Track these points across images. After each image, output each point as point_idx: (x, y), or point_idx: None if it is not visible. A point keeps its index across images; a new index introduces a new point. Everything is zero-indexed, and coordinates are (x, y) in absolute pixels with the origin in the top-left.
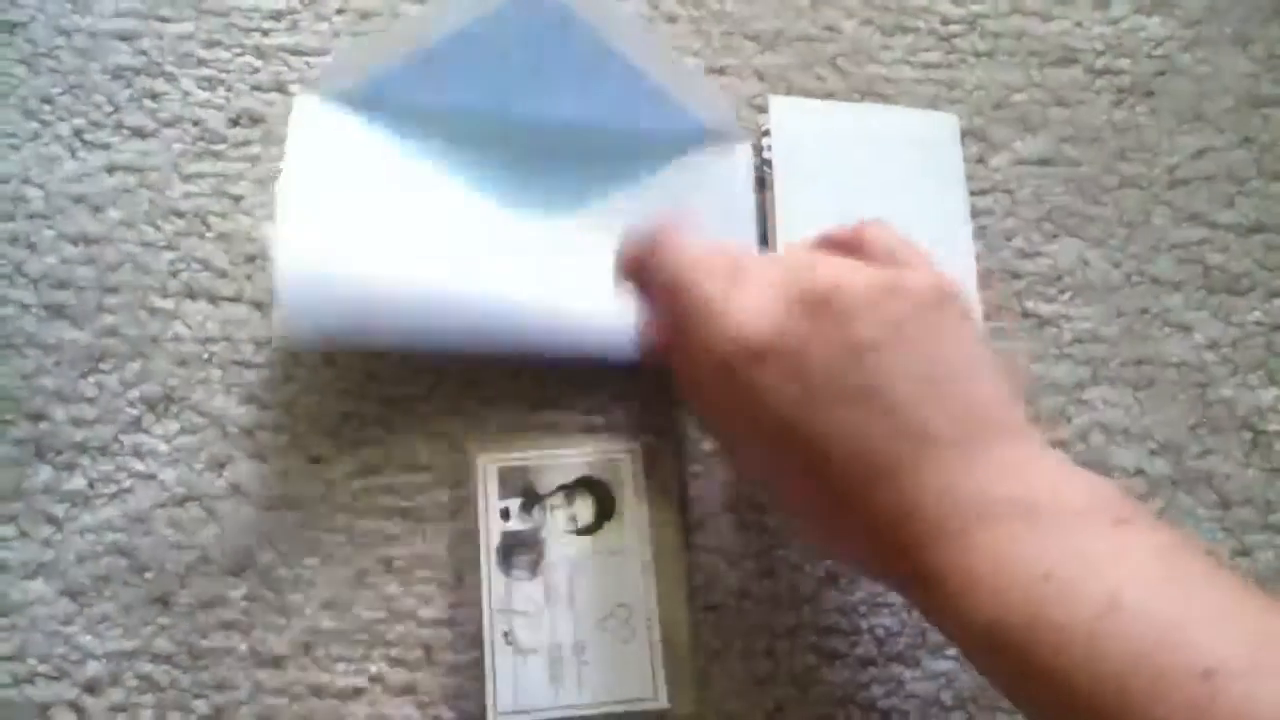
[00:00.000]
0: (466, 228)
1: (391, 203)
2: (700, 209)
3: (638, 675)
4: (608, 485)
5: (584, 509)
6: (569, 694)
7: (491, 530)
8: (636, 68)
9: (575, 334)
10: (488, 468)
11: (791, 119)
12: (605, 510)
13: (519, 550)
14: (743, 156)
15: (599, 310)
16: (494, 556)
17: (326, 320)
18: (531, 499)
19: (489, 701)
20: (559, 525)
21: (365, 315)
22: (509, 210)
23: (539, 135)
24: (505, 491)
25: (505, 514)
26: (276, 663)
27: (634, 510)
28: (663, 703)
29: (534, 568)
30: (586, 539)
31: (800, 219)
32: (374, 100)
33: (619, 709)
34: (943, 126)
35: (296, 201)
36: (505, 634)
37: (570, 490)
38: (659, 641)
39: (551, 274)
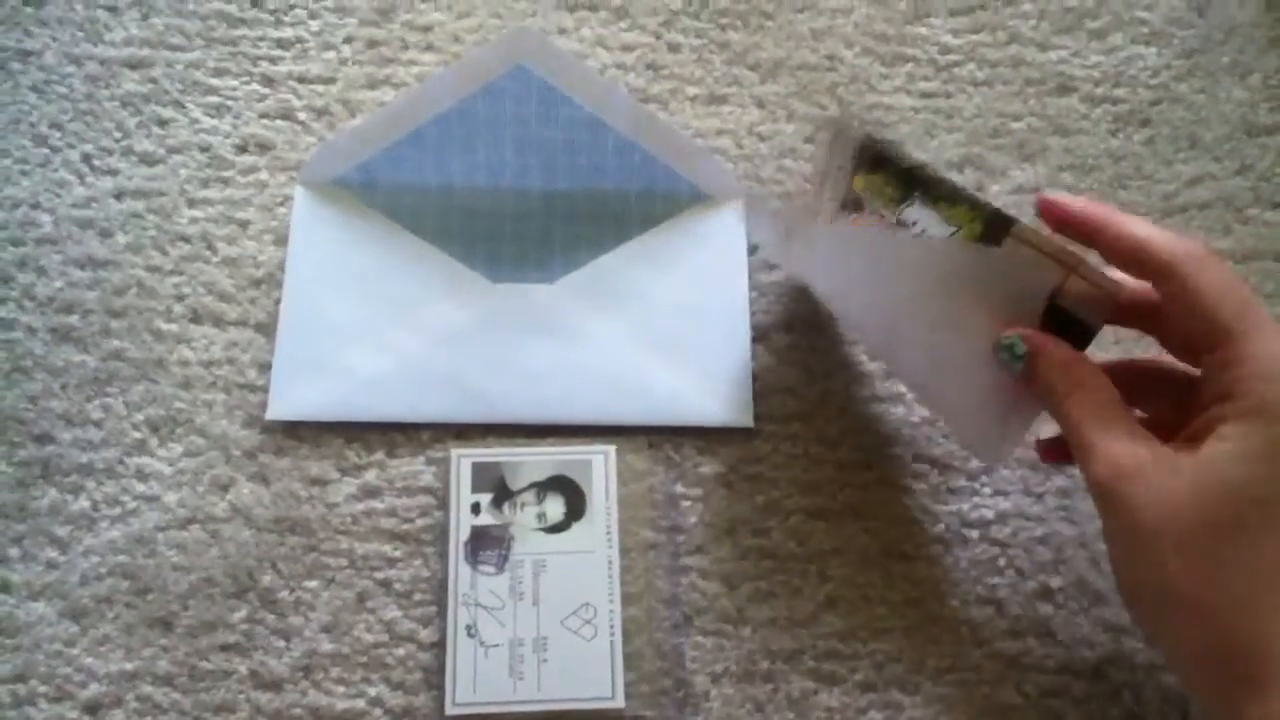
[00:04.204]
0: (458, 304)
1: (386, 283)
2: (693, 264)
3: (596, 675)
4: (579, 485)
5: (554, 507)
6: (527, 689)
7: (461, 523)
8: (629, 140)
9: (565, 403)
10: (461, 461)
11: None
12: (575, 510)
13: (487, 544)
14: (734, 210)
15: (591, 373)
16: (462, 550)
17: (321, 406)
18: (503, 495)
19: (447, 693)
20: (528, 522)
21: (359, 400)
22: (500, 284)
23: (529, 201)
24: (477, 486)
25: (476, 508)
26: (276, 685)
27: (604, 511)
28: (619, 704)
29: (501, 563)
30: (555, 537)
31: None
32: (368, 183)
33: (575, 707)
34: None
35: (298, 291)
36: (468, 627)
37: (542, 488)
38: (620, 643)
39: (545, 343)
